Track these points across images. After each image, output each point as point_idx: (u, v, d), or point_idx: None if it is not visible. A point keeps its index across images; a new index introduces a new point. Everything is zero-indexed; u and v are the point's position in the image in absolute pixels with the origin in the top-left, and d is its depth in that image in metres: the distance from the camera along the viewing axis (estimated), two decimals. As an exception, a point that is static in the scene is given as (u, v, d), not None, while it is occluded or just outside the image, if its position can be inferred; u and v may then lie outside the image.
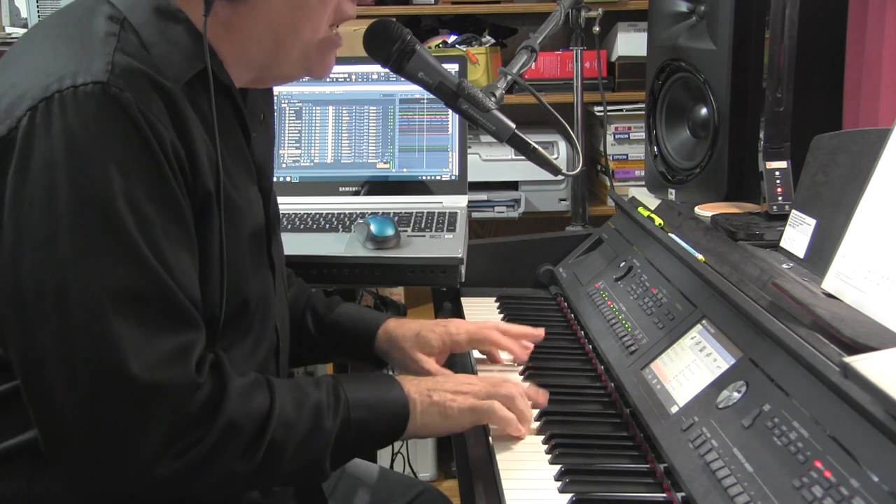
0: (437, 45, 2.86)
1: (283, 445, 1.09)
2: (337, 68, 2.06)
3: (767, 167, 1.57)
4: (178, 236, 1.04)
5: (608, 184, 2.65)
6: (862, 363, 0.93)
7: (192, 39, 1.10)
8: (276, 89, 2.04)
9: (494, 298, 1.82)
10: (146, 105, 1.01)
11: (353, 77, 2.06)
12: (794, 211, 1.40)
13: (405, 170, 2.03)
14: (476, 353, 1.53)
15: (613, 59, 2.94)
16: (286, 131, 2.05)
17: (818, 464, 0.93)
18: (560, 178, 2.50)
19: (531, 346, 1.49)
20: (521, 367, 1.48)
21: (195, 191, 1.07)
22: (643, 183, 2.16)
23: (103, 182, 0.99)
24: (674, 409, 1.20)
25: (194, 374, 1.04)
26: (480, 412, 1.22)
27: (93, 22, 1.07)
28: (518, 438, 1.24)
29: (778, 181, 1.57)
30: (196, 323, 1.06)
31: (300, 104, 2.06)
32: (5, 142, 1.00)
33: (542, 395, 1.29)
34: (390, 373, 1.36)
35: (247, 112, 1.21)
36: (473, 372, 1.47)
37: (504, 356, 1.51)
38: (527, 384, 1.31)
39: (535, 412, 1.30)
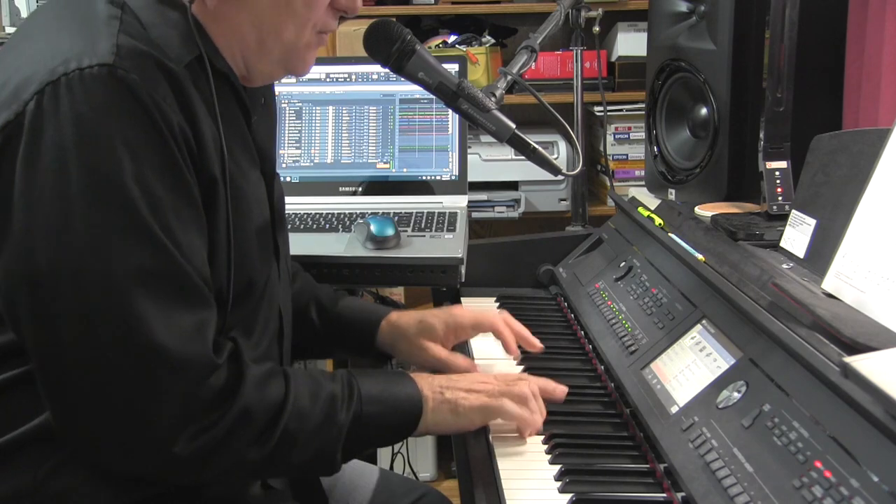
0: (437, 45, 2.86)
1: (295, 435, 1.10)
2: (337, 68, 2.06)
3: (767, 167, 1.57)
4: (187, 217, 1.05)
5: (608, 184, 2.65)
6: (862, 363, 0.92)
7: (188, 25, 1.11)
8: (275, 86, 2.04)
9: (494, 298, 1.82)
10: (153, 86, 1.02)
11: (353, 77, 2.06)
12: (794, 211, 1.40)
13: (405, 170, 2.03)
14: (475, 349, 1.53)
15: (613, 59, 2.93)
16: (286, 131, 2.05)
17: (818, 464, 0.93)
18: (560, 178, 2.50)
19: (527, 345, 1.48)
20: (519, 364, 1.47)
21: (201, 173, 1.08)
22: (643, 183, 2.16)
23: (114, 164, 0.99)
24: (674, 409, 1.20)
25: (212, 353, 1.05)
26: (490, 410, 1.22)
27: (93, 6, 1.07)
28: (519, 438, 1.24)
29: (778, 181, 1.57)
30: (209, 301, 1.08)
31: (300, 104, 2.06)
32: (13, 126, 1.00)
33: (560, 390, 1.30)
34: (396, 368, 1.35)
35: (247, 96, 1.22)
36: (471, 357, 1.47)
37: None
38: (543, 379, 1.31)
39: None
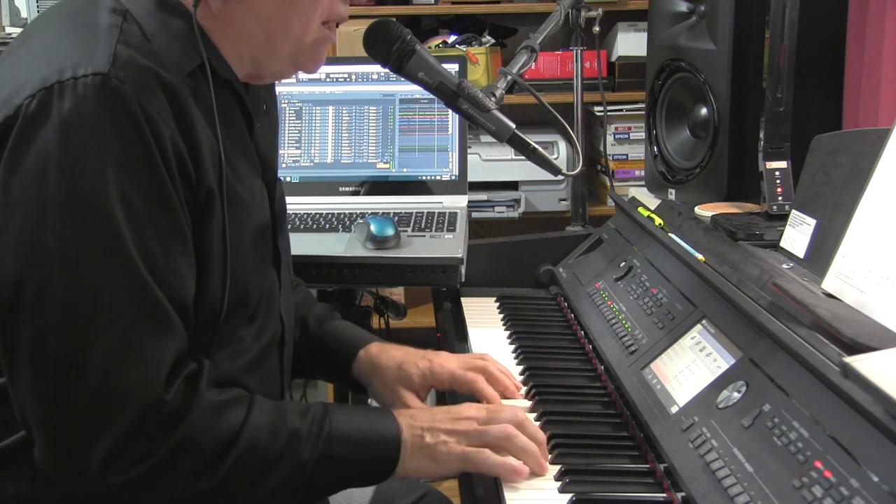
0: (437, 45, 2.86)
1: (249, 469, 1.06)
2: (337, 68, 2.06)
3: (767, 167, 1.57)
4: (169, 235, 1.03)
5: (608, 184, 2.65)
6: (862, 363, 0.92)
7: (192, 32, 1.10)
8: (276, 88, 2.04)
9: (494, 298, 1.82)
10: (146, 99, 1.00)
11: (353, 77, 2.06)
12: (794, 211, 1.40)
13: (405, 170, 2.03)
14: (474, 350, 1.52)
15: (613, 59, 2.94)
16: (286, 131, 2.05)
17: (818, 464, 0.93)
18: (560, 178, 2.50)
19: (509, 394, 1.36)
20: (519, 364, 1.47)
21: (198, 187, 1.06)
22: (643, 183, 2.16)
23: (95, 176, 0.97)
24: (674, 409, 1.19)
25: (162, 387, 1.01)
26: (470, 461, 1.14)
27: (95, 14, 1.06)
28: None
29: (778, 181, 1.57)
30: (176, 331, 1.04)
31: (300, 104, 2.06)
32: (2, 129, 0.99)
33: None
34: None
35: (250, 103, 1.21)
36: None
37: None
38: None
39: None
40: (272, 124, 1.33)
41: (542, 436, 1.18)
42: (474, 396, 1.33)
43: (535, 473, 1.14)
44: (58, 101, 0.98)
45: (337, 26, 1.23)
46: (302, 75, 2.05)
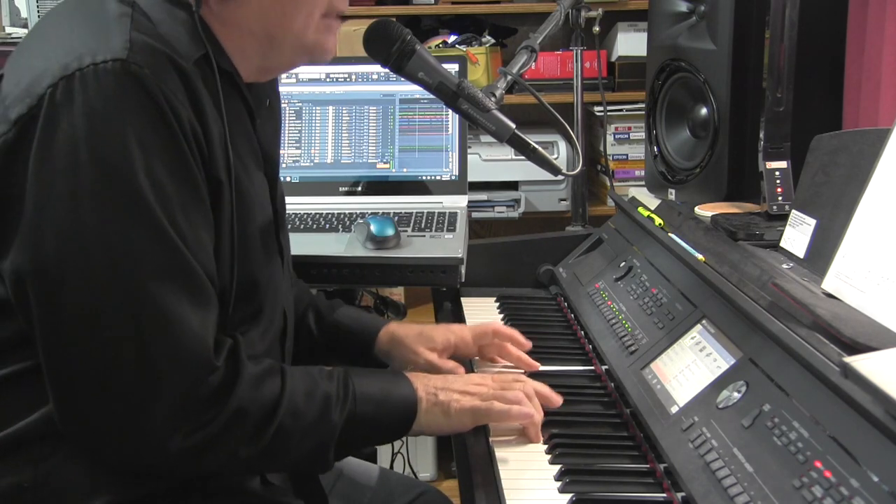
0: (437, 45, 2.86)
1: (289, 433, 1.11)
2: (337, 68, 2.06)
3: (767, 167, 1.57)
4: (195, 212, 1.06)
5: (608, 184, 2.65)
6: (862, 363, 0.93)
7: (195, 24, 1.12)
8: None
9: (494, 298, 1.82)
10: (164, 82, 1.03)
11: (353, 77, 2.06)
12: (794, 211, 1.40)
13: (405, 170, 2.03)
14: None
15: (613, 59, 2.94)
16: (286, 131, 2.05)
17: (818, 464, 0.93)
18: (560, 178, 2.50)
19: (526, 344, 1.48)
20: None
21: (208, 171, 1.09)
22: (643, 183, 2.16)
23: (124, 158, 1.00)
24: (674, 409, 1.20)
25: (212, 352, 1.06)
26: (480, 413, 1.23)
27: (104, 5, 1.09)
28: (519, 438, 1.24)
29: (778, 181, 1.57)
30: (212, 299, 1.09)
31: (300, 104, 2.06)
32: (26, 119, 1.01)
33: (557, 397, 1.29)
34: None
35: (252, 98, 1.23)
36: (472, 370, 1.47)
37: None
38: (541, 384, 1.30)
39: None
40: (275, 120, 1.35)
41: (542, 414, 1.25)
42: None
43: (531, 440, 1.23)
44: (80, 88, 1.00)
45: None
46: (302, 75, 2.05)
